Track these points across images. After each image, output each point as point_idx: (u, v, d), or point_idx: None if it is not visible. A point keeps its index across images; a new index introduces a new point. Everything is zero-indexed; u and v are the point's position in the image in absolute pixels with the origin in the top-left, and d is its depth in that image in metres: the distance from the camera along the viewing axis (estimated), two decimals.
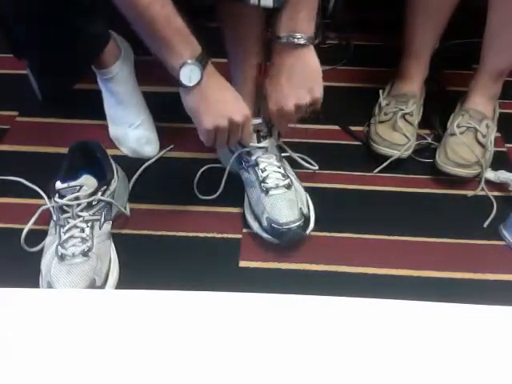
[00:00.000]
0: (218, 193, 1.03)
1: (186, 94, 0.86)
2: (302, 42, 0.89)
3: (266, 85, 0.94)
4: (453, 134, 1.09)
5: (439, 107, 1.18)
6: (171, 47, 0.82)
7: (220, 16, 0.99)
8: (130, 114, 1.13)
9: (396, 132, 1.11)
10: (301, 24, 0.89)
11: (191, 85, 0.84)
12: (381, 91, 1.18)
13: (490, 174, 1.08)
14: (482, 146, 1.08)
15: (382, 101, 1.16)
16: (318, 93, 0.92)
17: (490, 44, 1.04)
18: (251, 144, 0.99)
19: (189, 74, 0.83)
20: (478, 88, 1.11)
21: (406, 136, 1.10)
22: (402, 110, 1.13)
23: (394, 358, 0.56)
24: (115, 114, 1.14)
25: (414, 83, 1.17)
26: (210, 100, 0.86)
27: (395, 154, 1.08)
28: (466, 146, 1.07)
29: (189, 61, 0.82)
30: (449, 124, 1.13)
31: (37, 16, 0.95)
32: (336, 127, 1.20)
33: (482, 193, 1.07)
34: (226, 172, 1.02)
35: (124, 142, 1.14)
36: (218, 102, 0.87)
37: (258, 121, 0.99)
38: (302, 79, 0.92)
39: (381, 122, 1.13)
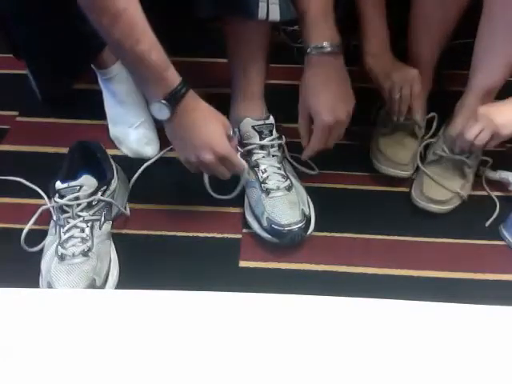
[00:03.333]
0: (233, 194, 1.01)
1: (163, 124, 0.89)
2: (336, 50, 0.93)
3: (305, 104, 0.95)
4: (431, 162, 1.06)
5: (439, 107, 1.18)
6: (145, 83, 0.84)
7: (224, 25, 0.99)
8: (131, 114, 1.13)
9: (399, 148, 1.08)
10: (331, 34, 0.93)
11: (159, 118, 0.86)
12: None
13: (490, 173, 1.08)
14: (464, 175, 1.04)
15: (385, 114, 1.12)
16: (353, 99, 0.96)
17: (480, 58, 1.00)
18: (248, 177, 0.98)
19: (159, 112, 0.85)
20: (463, 109, 1.05)
21: (410, 152, 1.07)
22: (408, 122, 1.09)
23: (394, 357, 0.56)
24: (115, 113, 1.14)
25: None
26: (181, 136, 0.88)
27: (399, 174, 1.06)
28: (442, 178, 1.03)
29: (161, 100, 0.83)
30: (428, 151, 1.09)
31: (37, 16, 0.96)
32: None
33: (482, 193, 1.07)
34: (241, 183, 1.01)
35: (124, 141, 1.14)
36: (188, 139, 0.87)
37: (261, 122, 0.99)
38: (341, 87, 0.95)
39: (383, 135, 1.10)
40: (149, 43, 0.80)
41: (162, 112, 0.84)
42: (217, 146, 0.87)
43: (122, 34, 0.78)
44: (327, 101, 0.94)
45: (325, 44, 0.92)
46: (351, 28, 1.03)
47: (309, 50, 0.94)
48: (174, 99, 0.83)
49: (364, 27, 1.04)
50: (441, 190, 1.02)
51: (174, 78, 0.83)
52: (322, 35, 0.93)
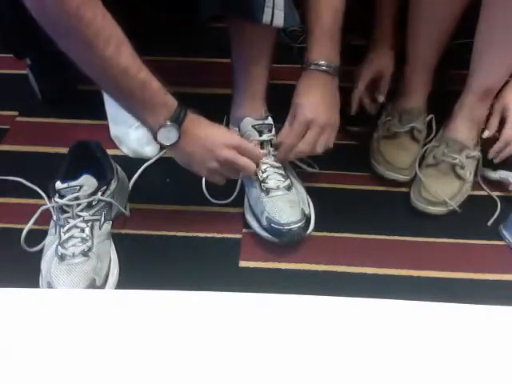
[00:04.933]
0: (230, 199, 1.03)
1: (170, 150, 0.90)
2: (331, 71, 0.96)
3: (293, 108, 0.97)
4: (429, 166, 1.06)
5: (439, 108, 1.18)
6: (149, 110, 0.84)
7: (228, 24, 0.99)
8: None
9: (400, 152, 1.08)
10: (332, 55, 0.96)
11: (169, 144, 0.86)
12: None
13: (490, 173, 1.08)
14: (460, 178, 1.04)
15: (385, 116, 1.13)
16: (338, 121, 0.99)
17: (479, 57, 1.00)
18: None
19: (167, 135, 0.85)
20: (462, 109, 1.05)
21: (411, 156, 1.07)
22: (408, 126, 1.09)
23: (394, 357, 0.56)
24: (116, 113, 1.14)
25: (418, 97, 1.12)
26: (192, 151, 0.89)
27: (399, 178, 1.06)
28: (440, 181, 1.03)
29: (167, 123, 0.84)
30: (426, 153, 1.08)
31: None
32: None
33: (483, 193, 1.07)
34: (239, 181, 1.02)
35: (124, 141, 1.14)
36: (200, 150, 0.88)
37: (261, 122, 0.99)
38: (329, 104, 0.98)
39: (384, 138, 1.10)
40: (146, 69, 0.81)
41: (170, 135, 0.85)
42: (229, 139, 0.90)
43: (128, 62, 0.79)
44: (312, 100, 0.96)
45: (322, 62, 0.95)
46: (351, 28, 1.03)
47: (306, 65, 0.96)
48: (179, 119, 0.84)
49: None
50: (438, 193, 1.01)
51: (172, 99, 0.85)
52: (322, 53, 0.96)
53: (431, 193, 1.01)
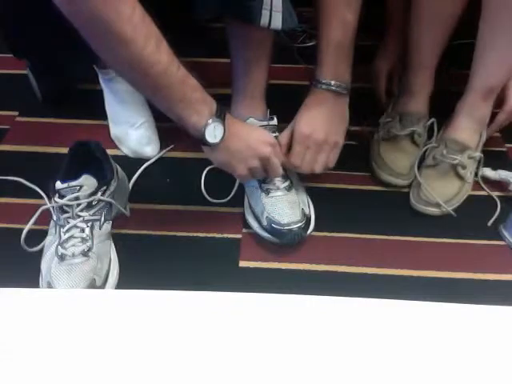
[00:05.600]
0: (228, 198, 1.03)
1: (212, 151, 0.87)
2: (342, 91, 0.94)
3: (296, 118, 0.96)
4: (429, 167, 1.06)
5: (439, 108, 1.18)
6: (192, 108, 0.81)
7: (227, 25, 0.99)
8: (132, 114, 1.13)
9: (400, 156, 1.08)
10: (342, 73, 0.93)
11: (217, 141, 0.84)
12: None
13: (490, 173, 1.08)
14: (461, 178, 1.04)
15: (385, 117, 1.13)
16: (341, 141, 0.97)
17: (481, 56, 0.99)
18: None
19: (213, 132, 0.83)
20: (464, 108, 1.05)
21: (410, 160, 1.07)
22: (409, 130, 1.09)
23: (394, 357, 0.56)
24: (116, 113, 1.14)
25: (419, 99, 1.12)
26: (236, 149, 0.87)
27: (398, 183, 1.06)
28: (440, 182, 1.03)
29: (210, 120, 0.82)
30: (426, 154, 1.08)
31: (37, 16, 0.95)
32: None
33: (483, 193, 1.07)
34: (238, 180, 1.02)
35: (125, 141, 1.14)
36: (244, 147, 0.88)
37: (265, 123, 0.99)
38: (334, 125, 0.96)
39: (384, 140, 1.10)
40: (183, 66, 0.79)
41: (217, 132, 0.83)
42: (267, 137, 0.91)
43: (168, 59, 0.77)
44: (313, 120, 0.95)
45: (333, 83, 0.93)
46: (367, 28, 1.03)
47: (315, 83, 0.94)
48: (222, 112, 0.83)
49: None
50: (435, 195, 1.01)
51: (209, 96, 0.83)
52: (334, 73, 0.93)
53: (430, 194, 1.01)
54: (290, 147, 0.97)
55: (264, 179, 0.98)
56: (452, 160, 1.04)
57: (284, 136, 0.97)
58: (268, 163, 0.90)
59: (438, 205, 1.01)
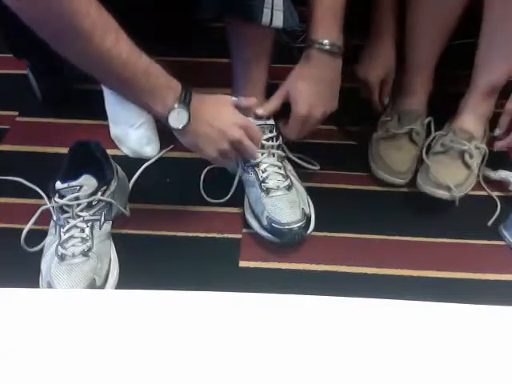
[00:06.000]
0: (226, 198, 1.03)
1: (179, 134, 0.86)
2: (335, 50, 0.93)
3: (288, 88, 0.96)
4: (437, 153, 1.05)
5: (439, 108, 1.18)
6: (156, 95, 0.81)
7: (227, 25, 0.99)
8: (132, 114, 1.12)
9: (399, 154, 1.08)
10: (335, 34, 0.93)
11: (181, 127, 0.83)
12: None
13: (491, 173, 1.08)
14: (468, 167, 1.04)
15: (384, 116, 1.13)
16: (336, 104, 0.97)
17: (483, 55, 1.00)
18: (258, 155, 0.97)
19: (177, 118, 0.82)
20: (468, 105, 1.06)
21: (409, 159, 1.08)
22: (407, 128, 1.09)
23: (395, 358, 0.56)
24: (116, 113, 1.14)
25: (418, 99, 1.12)
26: (205, 132, 0.86)
27: (396, 182, 1.06)
28: (449, 167, 1.02)
29: (175, 105, 0.81)
30: (433, 142, 1.08)
31: None
32: (335, 127, 1.20)
33: (483, 193, 1.07)
34: (236, 180, 1.02)
35: (125, 141, 1.14)
36: (212, 131, 0.86)
37: (262, 122, 0.99)
38: (329, 88, 0.96)
39: (383, 139, 1.10)
40: (145, 54, 0.79)
41: (181, 117, 0.82)
42: (238, 119, 0.87)
43: (128, 50, 0.77)
44: (309, 95, 0.95)
45: (325, 42, 0.92)
46: (354, 27, 1.03)
47: (309, 44, 0.94)
48: (186, 99, 0.82)
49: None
50: (448, 176, 1.00)
51: (175, 81, 0.83)
52: (326, 33, 0.93)
53: (439, 177, 0.99)
54: (281, 111, 0.99)
55: (264, 179, 0.98)
56: (462, 145, 1.03)
57: (272, 104, 0.99)
58: (240, 146, 0.88)
59: (447, 188, 0.98)
